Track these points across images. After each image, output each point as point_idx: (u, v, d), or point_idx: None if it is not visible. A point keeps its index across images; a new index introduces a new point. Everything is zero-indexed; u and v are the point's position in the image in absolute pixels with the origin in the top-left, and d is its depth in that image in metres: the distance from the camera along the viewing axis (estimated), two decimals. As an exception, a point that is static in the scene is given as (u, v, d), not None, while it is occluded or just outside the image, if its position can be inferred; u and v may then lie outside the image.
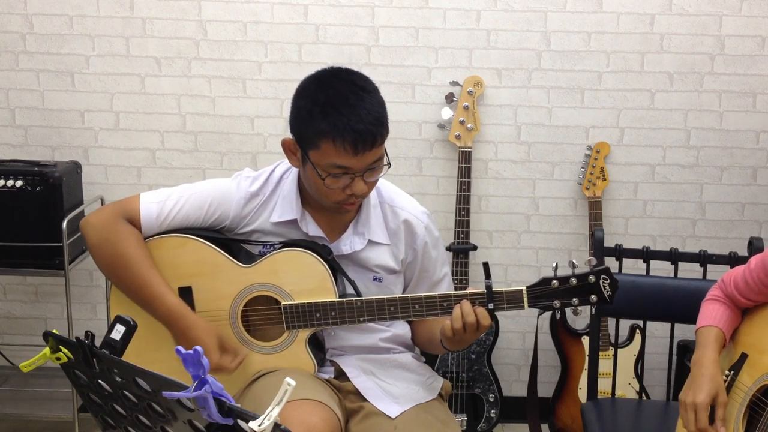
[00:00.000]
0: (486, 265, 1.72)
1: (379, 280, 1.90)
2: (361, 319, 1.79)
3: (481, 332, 1.74)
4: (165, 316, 1.78)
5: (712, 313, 1.82)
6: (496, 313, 1.74)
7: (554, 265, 1.71)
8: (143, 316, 1.78)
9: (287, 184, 1.88)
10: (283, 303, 1.81)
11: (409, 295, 1.78)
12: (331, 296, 1.80)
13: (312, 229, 1.86)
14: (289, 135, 1.81)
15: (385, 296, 1.78)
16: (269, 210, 1.88)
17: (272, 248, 1.85)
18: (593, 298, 1.72)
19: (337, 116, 1.68)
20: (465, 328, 1.71)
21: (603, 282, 1.71)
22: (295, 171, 1.89)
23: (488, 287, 1.71)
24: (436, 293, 1.76)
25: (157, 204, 1.84)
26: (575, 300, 1.72)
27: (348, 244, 1.87)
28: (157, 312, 1.78)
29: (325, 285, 1.80)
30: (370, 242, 1.88)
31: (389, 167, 1.80)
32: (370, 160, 1.73)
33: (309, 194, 1.85)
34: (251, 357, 1.84)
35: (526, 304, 1.72)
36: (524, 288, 1.72)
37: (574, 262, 1.71)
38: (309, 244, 1.83)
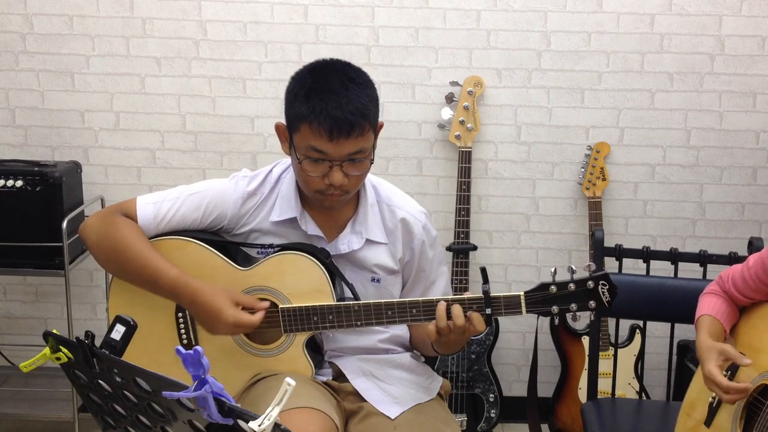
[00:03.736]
0: (483, 271, 1.70)
1: (377, 281, 1.89)
2: (359, 323, 1.77)
3: (470, 335, 1.73)
4: (171, 288, 1.77)
5: (707, 305, 1.85)
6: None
7: (553, 270, 1.70)
8: (143, 318, 1.78)
9: (286, 183, 1.88)
10: (280, 306, 1.81)
11: (406, 299, 1.76)
12: (329, 300, 1.79)
13: (311, 228, 1.86)
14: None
15: (382, 300, 1.77)
16: (267, 209, 1.87)
17: (270, 251, 1.85)
18: (592, 303, 1.70)
19: (317, 101, 1.69)
20: (452, 329, 1.70)
21: (602, 288, 1.69)
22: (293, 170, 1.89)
23: (485, 292, 1.70)
24: (434, 298, 1.76)
25: (153, 205, 1.83)
26: (573, 306, 1.70)
27: (346, 243, 1.87)
28: (163, 288, 1.77)
29: (322, 288, 1.79)
30: (368, 241, 1.87)
31: (371, 163, 1.79)
32: (348, 150, 1.71)
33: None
34: (249, 360, 1.84)
35: (524, 309, 1.70)
36: (522, 293, 1.70)
37: (573, 267, 1.69)
38: (307, 248, 1.82)
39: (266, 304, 1.79)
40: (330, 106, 1.68)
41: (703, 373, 1.73)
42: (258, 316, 1.76)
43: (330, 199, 1.78)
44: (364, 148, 1.74)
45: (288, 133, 1.78)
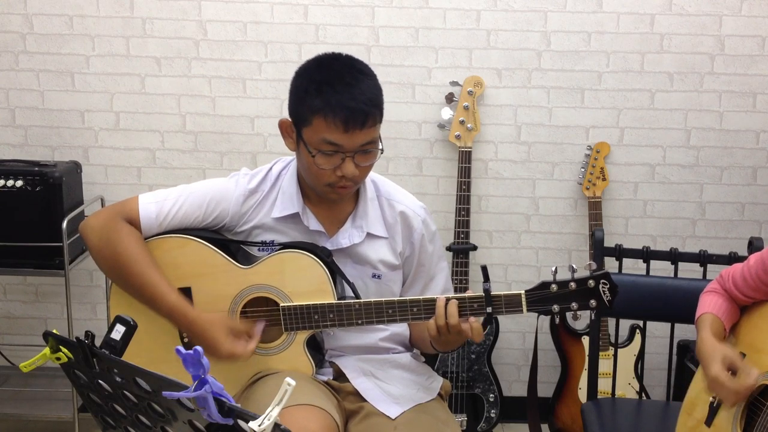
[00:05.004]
0: (484, 269, 1.71)
1: (378, 277, 1.90)
2: (360, 321, 1.78)
3: (467, 337, 1.73)
4: (168, 314, 1.79)
5: (709, 303, 1.85)
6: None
7: (554, 269, 1.71)
8: (143, 318, 1.78)
9: (286, 180, 1.89)
10: (281, 305, 1.81)
11: (407, 297, 1.77)
12: (330, 298, 1.79)
13: (313, 223, 1.87)
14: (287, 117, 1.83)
15: (383, 299, 1.78)
16: (268, 206, 1.88)
17: (271, 249, 1.85)
18: (593, 303, 1.70)
19: (331, 93, 1.70)
20: (448, 329, 1.71)
21: (603, 287, 1.69)
22: (293, 167, 1.90)
23: (486, 291, 1.70)
24: (435, 296, 1.76)
25: (155, 204, 1.84)
26: (574, 305, 1.70)
27: (347, 237, 1.87)
28: (160, 311, 1.79)
29: (323, 287, 1.80)
30: (369, 235, 1.88)
31: (382, 152, 1.80)
32: (361, 141, 1.73)
33: (309, 189, 1.86)
34: (249, 359, 1.84)
35: (524, 308, 1.71)
36: (523, 292, 1.71)
37: (574, 266, 1.70)
38: (308, 246, 1.83)
39: (261, 326, 1.81)
40: (345, 97, 1.70)
41: (707, 374, 1.71)
42: (252, 346, 1.78)
43: (339, 191, 1.80)
44: (375, 139, 1.77)
45: (295, 128, 1.79)
